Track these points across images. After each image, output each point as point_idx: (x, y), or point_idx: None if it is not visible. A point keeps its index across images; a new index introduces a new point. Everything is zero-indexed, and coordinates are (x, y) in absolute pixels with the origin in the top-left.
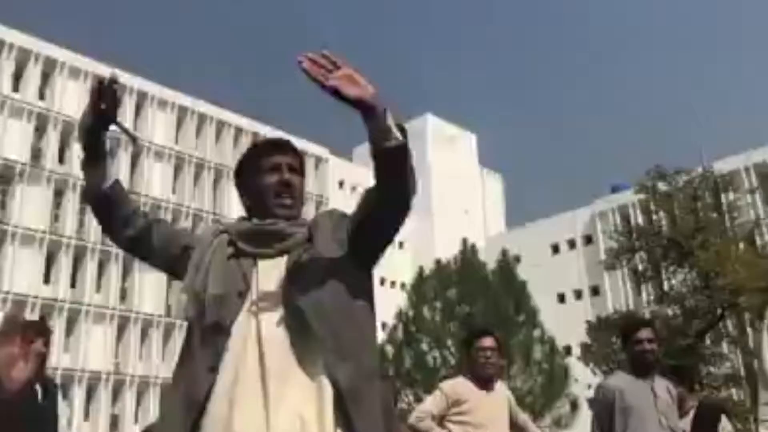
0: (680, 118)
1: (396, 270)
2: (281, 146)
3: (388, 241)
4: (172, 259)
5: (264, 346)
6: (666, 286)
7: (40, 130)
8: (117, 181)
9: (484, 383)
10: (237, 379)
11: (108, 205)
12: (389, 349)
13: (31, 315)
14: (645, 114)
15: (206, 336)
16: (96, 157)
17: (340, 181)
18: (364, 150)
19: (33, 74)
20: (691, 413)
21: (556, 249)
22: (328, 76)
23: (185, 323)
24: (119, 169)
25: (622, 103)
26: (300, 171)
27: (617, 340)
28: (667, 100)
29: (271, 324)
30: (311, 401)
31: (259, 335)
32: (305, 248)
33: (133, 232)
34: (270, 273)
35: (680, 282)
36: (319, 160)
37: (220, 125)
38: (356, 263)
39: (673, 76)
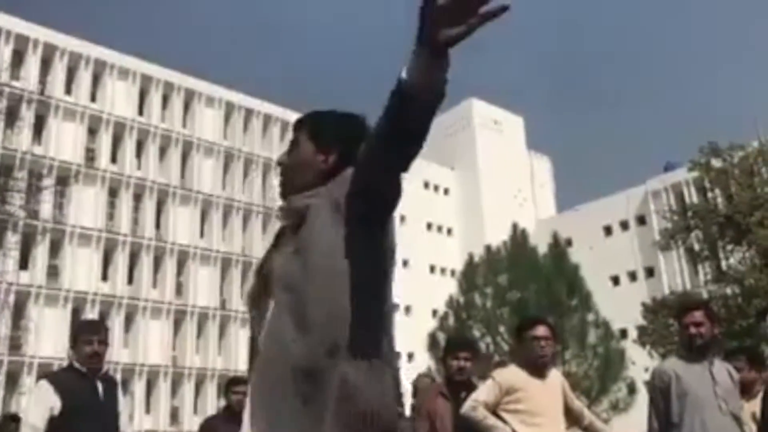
0: (733, 91)
1: (446, 257)
2: (293, 127)
3: (387, 198)
4: None
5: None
6: (724, 265)
7: (92, 132)
8: None
9: (538, 371)
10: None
11: None
12: (441, 336)
13: (91, 312)
14: (697, 89)
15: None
16: None
17: None
18: None
19: (84, 77)
20: (759, 396)
21: (608, 231)
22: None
23: (238, 316)
24: (170, 167)
25: (673, 80)
26: (300, 141)
27: (674, 322)
28: (720, 74)
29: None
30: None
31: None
32: (301, 221)
33: None
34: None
35: (738, 260)
36: None
37: (267, 119)
38: (353, 229)
39: (724, 46)
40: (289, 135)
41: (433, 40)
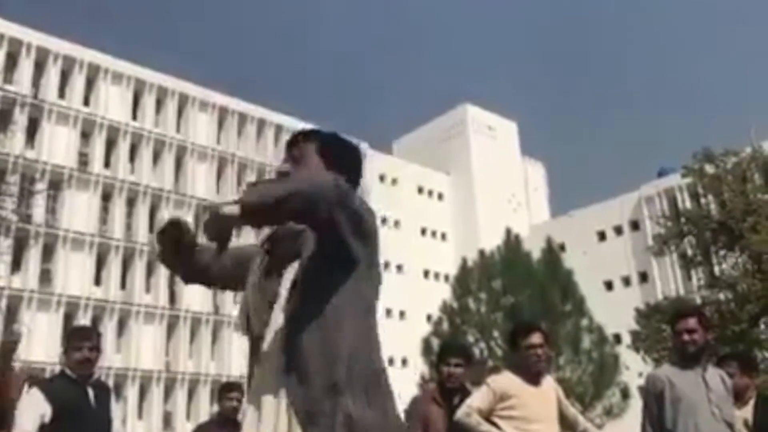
0: (727, 98)
1: (439, 262)
2: (293, 137)
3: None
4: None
5: (263, 368)
6: (717, 271)
7: (86, 136)
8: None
9: (532, 378)
10: (252, 393)
11: (202, 275)
12: (435, 341)
13: (84, 317)
14: (691, 96)
15: (254, 348)
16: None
17: (380, 175)
18: (403, 143)
19: (77, 81)
20: (751, 402)
21: (602, 236)
22: None
23: (231, 321)
24: (164, 171)
25: (668, 86)
26: (300, 156)
27: (667, 327)
28: (714, 81)
29: (266, 342)
30: (271, 426)
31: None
32: (299, 251)
33: (223, 278)
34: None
35: (731, 266)
36: None
37: (261, 124)
38: (330, 258)
39: (719, 55)
40: (284, 139)
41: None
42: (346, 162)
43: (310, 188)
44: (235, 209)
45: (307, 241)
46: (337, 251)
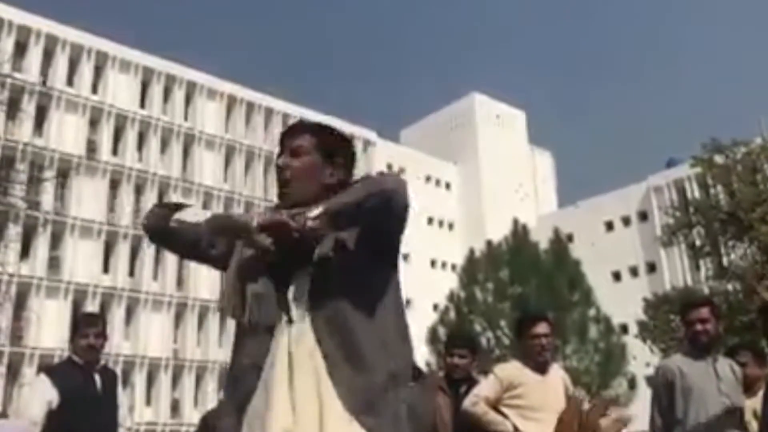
0: (737, 88)
1: (446, 252)
2: (290, 129)
3: (399, 231)
4: (224, 255)
5: (293, 354)
6: (725, 261)
7: (94, 124)
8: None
9: (539, 367)
10: (270, 383)
11: (168, 237)
12: (441, 331)
13: (92, 304)
14: (700, 86)
15: (251, 334)
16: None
17: (388, 164)
18: (411, 132)
19: (86, 68)
20: (760, 393)
21: (610, 226)
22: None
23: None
24: (172, 159)
25: (677, 76)
26: (310, 150)
27: (675, 317)
28: (724, 71)
29: (300, 331)
30: (330, 416)
31: (290, 340)
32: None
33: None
34: (302, 271)
35: (740, 256)
36: (367, 143)
37: (269, 113)
38: (373, 256)
39: (729, 44)
40: None
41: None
42: (340, 154)
43: (387, 184)
44: (318, 214)
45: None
46: (388, 249)
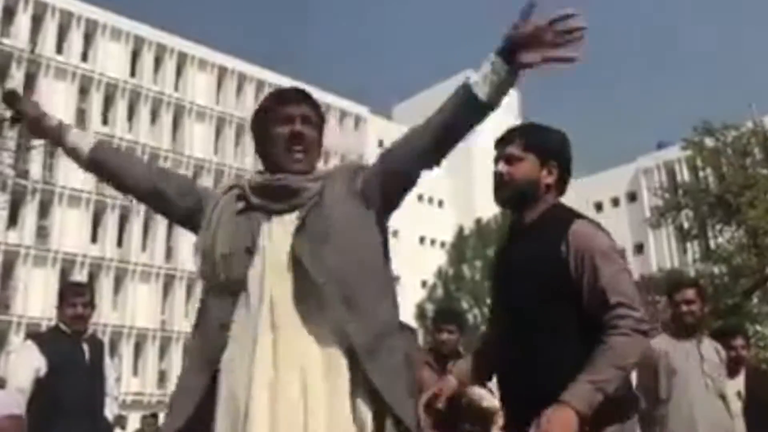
0: (729, 72)
1: (436, 229)
2: (296, 96)
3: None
4: (188, 212)
5: (275, 306)
6: (712, 244)
7: (84, 92)
8: (97, 145)
9: None
10: (248, 337)
11: (100, 167)
12: (429, 307)
13: (80, 274)
14: (692, 68)
15: (218, 293)
16: (58, 142)
17: (380, 140)
18: (403, 108)
19: (75, 36)
20: (743, 373)
21: (599, 207)
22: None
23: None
24: (162, 130)
25: (668, 58)
26: (316, 124)
27: (661, 299)
28: (716, 54)
29: (282, 282)
30: (319, 361)
31: (271, 294)
32: (316, 202)
33: (145, 184)
34: (282, 229)
35: (727, 240)
36: (358, 119)
37: (260, 85)
38: (372, 214)
39: (721, 28)
40: None
41: (515, 61)
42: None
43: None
44: None
45: (325, 191)
46: (389, 209)
